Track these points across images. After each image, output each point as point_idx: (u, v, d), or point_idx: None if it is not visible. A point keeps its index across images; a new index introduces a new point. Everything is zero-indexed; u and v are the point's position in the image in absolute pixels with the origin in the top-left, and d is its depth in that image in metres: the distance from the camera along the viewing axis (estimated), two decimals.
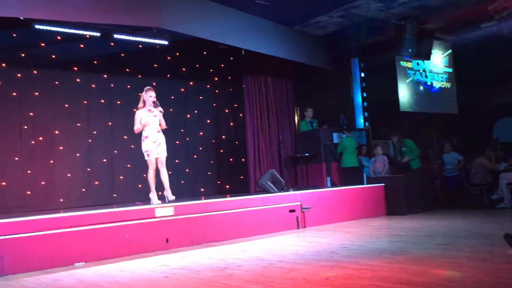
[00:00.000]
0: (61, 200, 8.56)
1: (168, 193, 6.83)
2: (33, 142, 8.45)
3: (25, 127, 8.41)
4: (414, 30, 10.11)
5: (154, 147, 6.71)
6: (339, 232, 6.87)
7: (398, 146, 9.85)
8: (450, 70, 12.92)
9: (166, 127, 6.94)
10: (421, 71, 12.24)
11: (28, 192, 8.31)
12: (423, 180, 9.46)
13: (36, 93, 8.58)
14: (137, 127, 6.76)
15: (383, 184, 9.11)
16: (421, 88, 12.14)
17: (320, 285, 3.58)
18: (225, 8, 8.93)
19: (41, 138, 8.54)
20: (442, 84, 12.74)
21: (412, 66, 12.04)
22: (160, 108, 6.84)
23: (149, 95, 6.83)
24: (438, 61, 12.50)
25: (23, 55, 8.53)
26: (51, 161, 8.59)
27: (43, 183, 8.45)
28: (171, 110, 9.37)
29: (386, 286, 3.41)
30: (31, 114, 8.48)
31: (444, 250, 4.80)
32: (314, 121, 11.08)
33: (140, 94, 9.31)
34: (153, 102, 6.81)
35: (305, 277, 3.89)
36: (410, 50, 10.28)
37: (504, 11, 9.37)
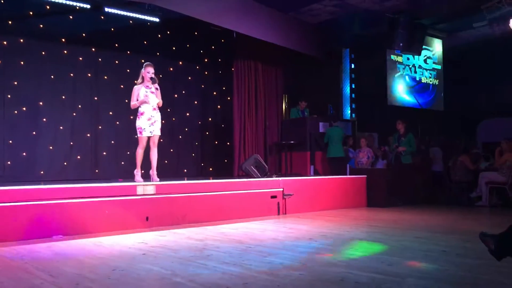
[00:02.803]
0: (42, 172, 8.47)
1: (153, 173, 6.77)
2: (16, 112, 8.31)
3: (9, 96, 8.27)
4: (407, 25, 10.13)
5: (148, 125, 6.61)
6: (319, 220, 6.93)
7: (399, 134, 9.83)
8: (439, 67, 13.01)
9: (161, 104, 6.85)
10: (410, 66, 12.31)
11: (9, 163, 8.20)
12: (405, 174, 9.54)
13: (22, 62, 8.41)
14: (133, 103, 6.68)
15: (365, 176, 9.19)
16: (410, 82, 12.22)
17: (297, 270, 3.62)
18: None
19: (24, 109, 8.41)
20: (430, 81, 12.84)
21: (402, 61, 12.10)
22: (156, 85, 6.76)
23: (147, 71, 6.71)
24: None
25: (10, 22, 8.35)
26: (34, 133, 8.47)
27: (24, 154, 8.34)
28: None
29: (361, 274, 3.45)
30: (15, 83, 8.33)
31: (421, 243, 4.87)
32: (306, 110, 11.10)
33: (128, 70, 9.25)
34: (151, 78, 6.72)
35: (283, 261, 3.92)
36: (401, 44, 10.31)
37: (497, 11, 9.43)
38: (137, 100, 6.64)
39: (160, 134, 6.80)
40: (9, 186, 5.34)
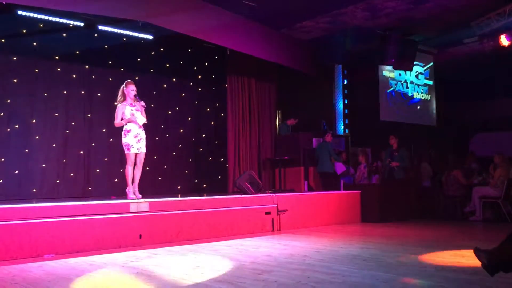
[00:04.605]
0: (34, 190, 8.41)
1: (135, 189, 6.73)
2: (8, 129, 8.29)
3: (1, 114, 8.25)
4: (398, 41, 10.24)
5: (135, 142, 6.62)
6: (313, 236, 6.90)
7: (392, 149, 9.88)
8: (431, 82, 13.13)
9: (146, 121, 6.85)
10: (402, 82, 12.40)
11: (1, 181, 8.15)
12: (399, 189, 9.56)
13: (15, 80, 8.42)
14: (118, 121, 6.66)
15: (359, 191, 9.18)
16: (402, 98, 12.31)
17: None
18: (212, 7, 8.91)
19: (17, 126, 8.39)
20: (422, 96, 12.93)
21: (394, 76, 12.20)
22: (142, 103, 6.76)
23: (130, 89, 6.71)
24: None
25: (3, 40, 8.36)
26: (26, 150, 8.44)
27: (16, 172, 8.29)
28: (152, 105, 9.27)
29: None
30: (8, 101, 8.32)
31: (415, 258, 4.86)
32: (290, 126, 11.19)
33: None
34: (134, 96, 6.72)
35: (277, 279, 3.89)
36: (393, 60, 10.40)
37: (487, 27, 9.56)
38: (122, 119, 6.62)
39: (145, 151, 6.78)
40: (1, 205, 5.29)
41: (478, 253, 3.19)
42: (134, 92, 6.71)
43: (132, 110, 6.66)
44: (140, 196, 6.65)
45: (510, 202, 9.05)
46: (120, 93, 6.77)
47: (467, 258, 4.74)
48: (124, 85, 6.77)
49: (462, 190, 9.81)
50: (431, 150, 11.85)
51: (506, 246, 3.09)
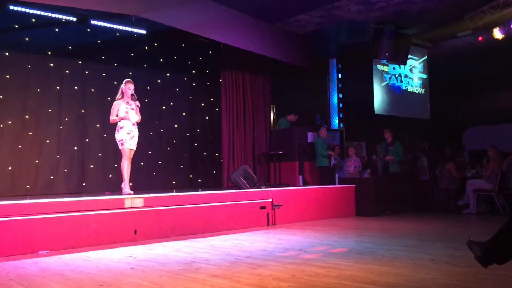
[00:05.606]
0: (28, 186, 8.37)
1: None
2: (1, 126, 8.23)
3: None
4: (392, 35, 10.24)
5: (128, 138, 6.69)
6: (308, 230, 6.92)
7: (386, 143, 9.92)
8: (425, 76, 13.15)
9: (140, 120, 6.90)
10: (396, 76, 12.42)
11: None
12: (393, 183, 9.59)
13: (7, 76, 8.35)
14: (113, 117, 6.74)
15: (354, 185, 9.21)
16: (396, 92, 12.33)
17: (286, 281, 3.60)
18: (205, 1, 8.87)
19: (10, 122, 8.33)
20: (416, 90, 12.96)
21: (388, 70, 12.21)
22: (137, 102, 6.84)
23: (127, 87, 6.81)
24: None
25: None
26: (20, 146, 8.39)
27: (10, 168, 8.24)
28: (146, 101, 9.26)
29: (351, 285, 3.44)
30: (1, 97, 8.26)
31: (409, 252, 4.88)
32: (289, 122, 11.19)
33: (115, 83, 9.23)
34: (132, 95, 6.79)
35: (272, 273, 3.90)
36: (387, 54, 10.41)
37: (480, 20, 9.57)
38: (117, 115, 6.68)
39: (135, 149, 6.82)
40: None
41: (471, 245, 3.21)
42: (131, 91, 6.81)
43: (127, 108, 6.76)
44: (131, 192, 6.64)
45: (503, 195, 9.11)
46: (119, 90, 6.89)
47: (460, 250, 4.77)
48: (123, 83, 6.85)
49: (456, 183, 9.86)
50: (426, 144, 11.88)
51: (499, 238, 3.11)
